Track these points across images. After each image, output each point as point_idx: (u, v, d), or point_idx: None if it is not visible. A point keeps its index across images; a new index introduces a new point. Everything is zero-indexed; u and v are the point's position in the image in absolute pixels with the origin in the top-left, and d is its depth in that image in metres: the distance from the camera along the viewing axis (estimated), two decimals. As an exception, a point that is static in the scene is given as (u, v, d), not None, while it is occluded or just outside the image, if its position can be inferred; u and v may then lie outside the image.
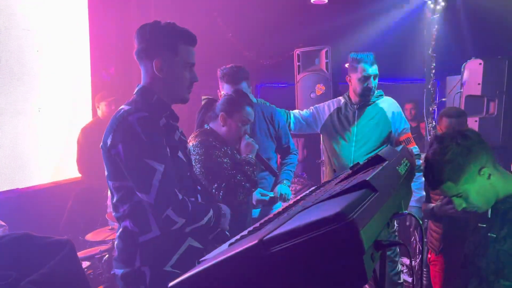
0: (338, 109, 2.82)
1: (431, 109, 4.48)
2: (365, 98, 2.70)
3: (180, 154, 1.61)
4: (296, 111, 3.03)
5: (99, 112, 4.32)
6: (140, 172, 1.46)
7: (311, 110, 2.96)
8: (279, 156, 2.90)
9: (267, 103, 2.84)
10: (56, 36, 4.21)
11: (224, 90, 2.55)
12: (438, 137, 1.51)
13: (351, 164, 2.67)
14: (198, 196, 1.72)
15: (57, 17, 4.22)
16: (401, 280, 2.76)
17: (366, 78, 2.64)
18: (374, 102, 2.73)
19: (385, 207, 0.92)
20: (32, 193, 3.84)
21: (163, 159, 1.48)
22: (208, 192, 1.99)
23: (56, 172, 4.22)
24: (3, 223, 2.95)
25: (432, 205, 2.31)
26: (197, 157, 2.04)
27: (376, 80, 2.68)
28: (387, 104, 2.74)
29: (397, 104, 2.79)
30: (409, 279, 3.68)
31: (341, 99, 2.86)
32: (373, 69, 2.64)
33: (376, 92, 2.74)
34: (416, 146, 2.76)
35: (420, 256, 3.64)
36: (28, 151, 3.87)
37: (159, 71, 1.59)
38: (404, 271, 3.80)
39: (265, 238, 0.80)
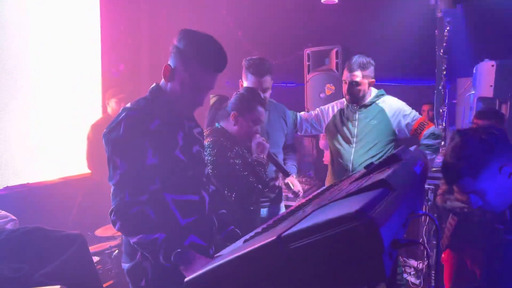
0: (341, 110, 2.86)
1: (441, 111, 4.45)
2: (348, 101, 2.77)
3: (178, 153, 1.60)
4: (302, 113, 3.05)
5: (109, 109, 4.35)
6: (109, 166, 1.52)
7: (316, 112, 2.99)
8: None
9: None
10: (68, 33, 4.24)
11: (248, 81, 2.53)
12: (461, 131, 1.48)
13: (351, 165, 2.71)
14: (205, 195, 1.71)
15: (69, 14, 4.26)
16: (403, 282, 2.77)
17: (344, 83, 2.73)
18: (374, 102, 2.75)
19: (402, 207, 0.92)
20: (42, 188, 3.87)
21: (131, 159, 1.49)
22: (220, 193, 1.99)
23: (66, 167, 4.25)
24: (13, 217, 2.98)
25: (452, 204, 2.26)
26: (209, 157, 2.03)
27: (353, 87, 2.69)
28: (388, 103, 2.75)
29: (398, 101, 2.79)
30: (417, 281, 3.67)
31: (345, 100, 2.88)
32: (350, 75, 2.68)
33: (376, 91, 2.78)
34: (433, 126, 2.75)
35: (427, 258, 3.63)
36: (38, 147, 3.91)
37: (165, 76, 1.59)
38: (412, 273, 3.79)
39: (283, 234, 0.80)
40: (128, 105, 1.60)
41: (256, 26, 5.43)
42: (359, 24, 4.83)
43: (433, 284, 3.28)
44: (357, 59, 2.69)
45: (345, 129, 2.79)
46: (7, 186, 3.59)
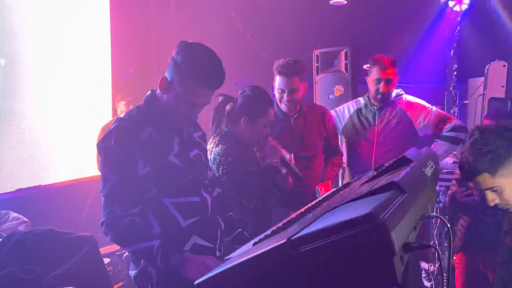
0: (359, 110, 2.82)
1: (452, 111, 4.41)
2: (378, 101, 2.71)
3: (173, 158, 1.59)
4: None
5: (118, 111, 4.38)
6: (101, 177, 1.53)
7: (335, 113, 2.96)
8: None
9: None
10: (79, 36, 4.28)
11: (276, 82, 2.55)
12: (480, 127, 1.45)
13: (373, 165, 2.67)
14: (206, 196, 1.70)
15: (79, 17, 4.30)
16: None
17: (377, 82, 2.66)
18: (393, 102, 2.72)
19: (413, 209, 0.91)
20: (53, 190, 3.91)
21: (121, 171, 1.49)
22: (231, 199, 1.98)
23: (77, 169, 4.29)
24: (25, 219, 3.02)
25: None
26: (224, 167, 1.99)
27: (390, 84, 2.66)
28: (407, 102, 2.73)
29: (418, 100, 2.77)
30: (428, 284, 3.63)
31: (361, 100, 2.85)
32: (385, 74, 2.63)
33: (395, 91, 2.75)
34: (455, 120, 2.71)
35: (439, 261, 3.59)
36: (50, 149, 3.95)
37: (161, 88, 1.59)
38: (423, 275, 3.76)
39: (293, 237, 0.80)
40: (122, 115, 1.61)
41: (265, 28, 5.44)
42: (368, 25, 4.81)
43: (445, 286, 3.24)
44: (386, 56, 2.65)
45: (364, 130, 2.75)
46: (19, 189, 3.63)
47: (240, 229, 1.83)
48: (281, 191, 2.08)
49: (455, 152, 3.09)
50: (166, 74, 1.58)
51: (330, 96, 4.14)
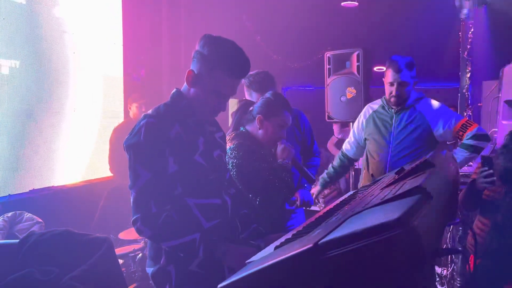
0: (374, 113, 2.77)
1: (465, 114, 4.36)
2: (392, 104, 2.66)
3: (198, 157, 1.59)
4: (346, 146, 2.99)
5: (131, 113, 4.41)
6: (130, 174, 1.52)
7: (352, 131, 2.94)
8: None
9: None
10: (91, 38, 4.32)
11: (251, 97, 2.55)
12: None
13: (387, 169, 2.64)
14: (227, 199, 1.70)
15: (92, 20, 4.34)
16: None
17: (390, 85, 2.60)
18: (412, 105, 2.65)
19: (440, 214, 0.90)
20: (66, 191, 3.94)
21: (153, 168, 1.49)
22: (244, 196, 1.98)
23: (89, 171, 4.33)
24: (40, 220, 3.05)
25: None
26: (234, 160, 2.02)
27: (404, 87, 2.59)
28: (426, 106, 2.64)
29: (437, 103, 2.69)
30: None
31: (378, 102, 2.81)
32: (399, 76, 2.56)
33: (415, 94, 2.67)
34: (477, 127, 2.60)
35: (453, 264, 3.55)
36: (63, 150, 3.98)
37: (188, 81, 1.59)
38: (436, 279, 3.71)
39: (320, 242, 0.79)
40: (149, 111, 1.61)
41: (276, 30, 5.43)
42: (380, 26, 4.78)
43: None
44: (401, 58, 2.58)
45: (380, 133, 2.69)
46: (33, 189, 3.66)
47: (255, 225, 1.81)
48: (289, 190, 2.07)
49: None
50: (192, 67, 1.59)
51: (342, 98, 4.12)
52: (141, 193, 1.48)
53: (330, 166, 3.04)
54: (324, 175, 3.02)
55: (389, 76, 2.60)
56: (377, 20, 4.80)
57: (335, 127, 5.26)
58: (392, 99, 2.63)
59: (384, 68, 2.71)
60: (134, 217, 1.48)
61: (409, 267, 0.72)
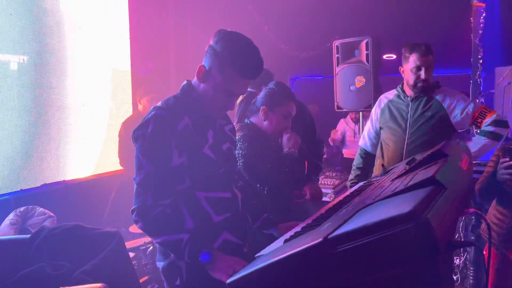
0: (390, 102, 2.72)
1: (477, 100, 4.28)
2: (419, 90, 2.57)
3: (208, 150, 1.58)
4: (361, 142, 2.95)
5: (140, 107, 4.40)
6: (136, 164, 1.51)
7: (368, 123, 2.90)
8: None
9: None
10: (98, 32, 4.32)
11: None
12: None
13: (404, 156, 2.59)
14: (238, 192, 1.69)
15: (99, 14, 4.33)
16: None
17: (417, 69, 2.52)
18: (428, 93, 2.58)
19: (454, 205, 0.87)
20: (77, 185, 3.97)
21: (156, 161, 1.48)
22: (252, 187, 1.97)
23: (99, 165, 4.35)
24: (52, 214, 3.07)
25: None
26: (240, 151, 2.00)
27: (433, 71, 2.54)
28: (444, 94, 2.58)
29: (456, 92, 2.62)
30: (454, 277, 3.56)
31: (393, 92, 2.75)
32: (426, 60, 2.49)
33: (432, 82, 2.59)
34: (496, 114, 2.55)
35: (465, 253, 3.51)
36: (73, 144, 4.01)
37: (198, 77, 1.57)
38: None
39: (330, 236, 0.77)
40: (159, 103, 1.59)
41: (283, 19, 5.37)
42: (389, 13, 4.69)
43: (471, 280, 3.18)
44: (420, 43, 2.51)
45: (396, 121, 2.64)
46: (44, 184, 3.70)
47: (266, 214, 1.80)
48: (296, 179, 2.05)
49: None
50: (204, 63, 1.56)
51: (351, 87, 4.07)
52: (141, 184, 1.47)
53: (354, 168, 2.98)
54: (353, 178, 2.93)
55: (415, 60, 2.51)
56: (386, 7, 4.71)
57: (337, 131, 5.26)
58: (420, 84, 2.53)
59: (394, 56, 2.66)
60: (132, 208, 1.49)
61: (423, 261, 0.70)
